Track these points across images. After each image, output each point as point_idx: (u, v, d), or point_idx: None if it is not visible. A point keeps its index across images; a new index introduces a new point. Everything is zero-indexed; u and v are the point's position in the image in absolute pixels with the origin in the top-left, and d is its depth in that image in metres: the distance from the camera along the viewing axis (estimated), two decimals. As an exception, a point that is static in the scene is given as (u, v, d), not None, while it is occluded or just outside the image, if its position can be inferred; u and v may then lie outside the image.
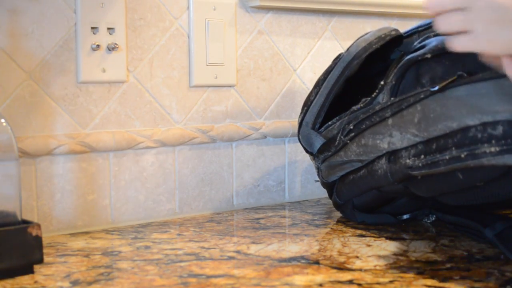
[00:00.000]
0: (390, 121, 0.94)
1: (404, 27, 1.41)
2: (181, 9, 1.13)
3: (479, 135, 0.84)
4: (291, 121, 1.26)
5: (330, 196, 1.10)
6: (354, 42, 1.04)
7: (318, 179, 1.11)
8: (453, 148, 0.87)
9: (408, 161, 0.92)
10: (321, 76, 1.07)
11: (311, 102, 1.06)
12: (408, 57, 0.96)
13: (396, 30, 1.04)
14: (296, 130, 1.26)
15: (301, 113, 1.08)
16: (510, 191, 0.92)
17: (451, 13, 0.70)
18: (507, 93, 0.83)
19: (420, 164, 0.91)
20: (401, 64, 0.96)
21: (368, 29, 1.36)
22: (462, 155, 0.86)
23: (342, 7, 1.29)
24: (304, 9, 1.26)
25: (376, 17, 1.37)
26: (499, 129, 0.83)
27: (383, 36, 1.02)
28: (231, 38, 1.19)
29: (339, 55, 1.06)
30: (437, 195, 0.97)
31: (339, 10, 1.30)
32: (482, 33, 0.69)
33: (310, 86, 1.29)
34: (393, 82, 0.96)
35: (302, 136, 1.08)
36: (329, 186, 1.09)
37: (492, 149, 0.83)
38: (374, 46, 1.01)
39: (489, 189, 0.91)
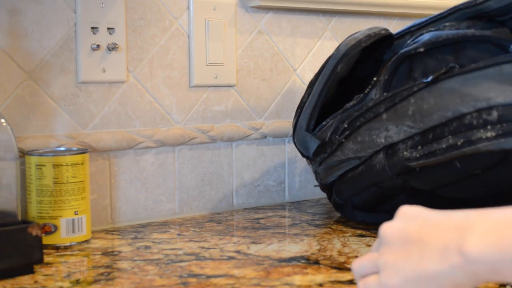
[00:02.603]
0: (384, 116, 0.94)
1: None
2: (181, 9, 1.13)
3: (475, 122, 0.86)
4: (291, 121, 1.26)
5: (329, 197, 1.10)
6: (344, 41, 1.04)
7: (317, 183, 1.11)
8: (450, 137, 0.88)
9: (405, 153, 0.92)
10: (313, 77, 1.06)
11: (304, 104, 1.06)
12: (401, 51, 0.96)
13: (386, 29, 1.04)
14: (296, 130, 1.26)
15: (295, 116, 1.08)
16: (508, 178, 0.93)
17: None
18: (500, 79, 0.84)
19: (418, 155, 0.92)
20: (394, 59, 0.96)
21: (368, 29, 1.36)
22: (459, 143, 0.87)
23: (342, 7, 1.29)
24: (304, 9, 1.26)
25: (376, 17, 1.37)
26: (494, 114, 0.84)
27: (372, 34, 1.02)
28: (231, 38, 1.19)
29: (330, 55, 1.06)
30: (436, 186, 0.97)
31: (339, 10, 1.30)
32: (390, 266, 0.56)
33: (310, 86, 1.29)
34: (386, 77, 0.96)
35: (297, 139, 1.07)
36: (328, 188, 1.08)
37: (488, 134, 0.85)
38: (363, 44, 1.01)
39: (487, 177, 0.92)
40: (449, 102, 0.88)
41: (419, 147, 0.91)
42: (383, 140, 0.95)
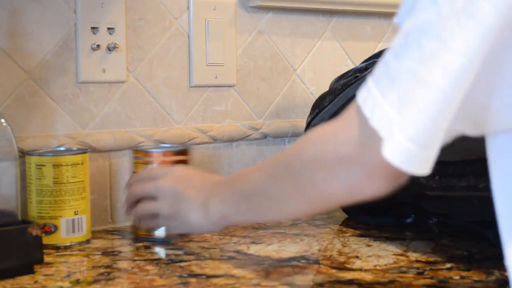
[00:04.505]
0: None
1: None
2: (181, 9, 1.13)
3: None
4: (291, 121, 1.26)
5: None
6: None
7: None
8: (471, 177, 0.84)
9: (422, 179, 0.88)
10: (338, 85, 1.04)
11: (324, 107, 1.05)
12: None
13: None
14: (296, 130, 1.26)
15: (310, 114, 1.07)
16: None
17: (144, 201, 0.86)
18: None
19: (434, 185, 0.88)
20: None
21: (368, 29, 1.36)
22: (480, 185, 0.83)
23: (342, 7, 1.29)
24: (304, 9, 1.26)
25: (376, 17, 1.37)
26: None
27: None
28: (231, 38, 1.19)
29: (360, 69, 1.03)
30: (448, 213, 0.95)
31: (339, 10, 1.30)
32: (168, 216, 0.83)
33: (310, 86, 1.29)
34: None
35: None
36: None
37: None
38: None
39: None
40: (475, 146, 0.79)
41: (437, 177, 0.88)
42: None
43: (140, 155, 0.97)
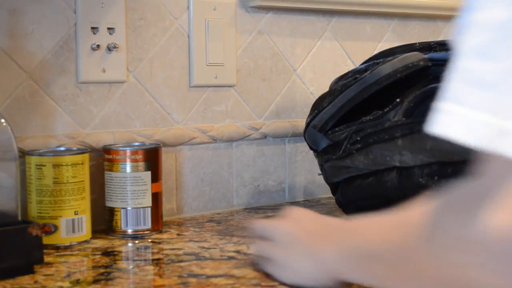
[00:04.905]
0: (399, 141, 0.92)
1: (404, 27, 1.41)
2: (181, 9, 1.13)
3: None
4: (291, 121, 1.26)
5: (334, 193, 1.10)
6: (380, 66, 1.00)
7: (320, 172, 1.11)
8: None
9: (421, 179, 0.90)
10: (337, 86, 1.04)
11: (323, 108, 1.05)
12: (434, 86, 0.92)
13: (424, 59, 0.98)
14: (296, 130, 1.26)
15: (310, 114, 1.07)
16: None
17: (262, 240, 0.76)
18: None
19: (434, 186, 0.89)
20: (425, 89, 0.93)
21: (368, 29, 1.36)
22: None
23: (342, 7, 1.29)
24: (304, 9, 1.26)
25: (376, 17, 1.37)
26: None
27: (410, 65, 0.97)
28: (231, 38, 1.19)
29: (360, 70, 1.04)
30: None
31: (339, 10, 1.30)
32: (280, 263, 0.73)
33: (310, 86, 1.29)
34: (411, 105, 0.93)
35: (308, 135, 1.08)
36: (333, 184, 1.09)
37: None
38: (398, 75, 0.97)
39: None
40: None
41: (436, 178, 0.89)
42: (397, 163, 0.93)
43: (110, 153, 0.99)
